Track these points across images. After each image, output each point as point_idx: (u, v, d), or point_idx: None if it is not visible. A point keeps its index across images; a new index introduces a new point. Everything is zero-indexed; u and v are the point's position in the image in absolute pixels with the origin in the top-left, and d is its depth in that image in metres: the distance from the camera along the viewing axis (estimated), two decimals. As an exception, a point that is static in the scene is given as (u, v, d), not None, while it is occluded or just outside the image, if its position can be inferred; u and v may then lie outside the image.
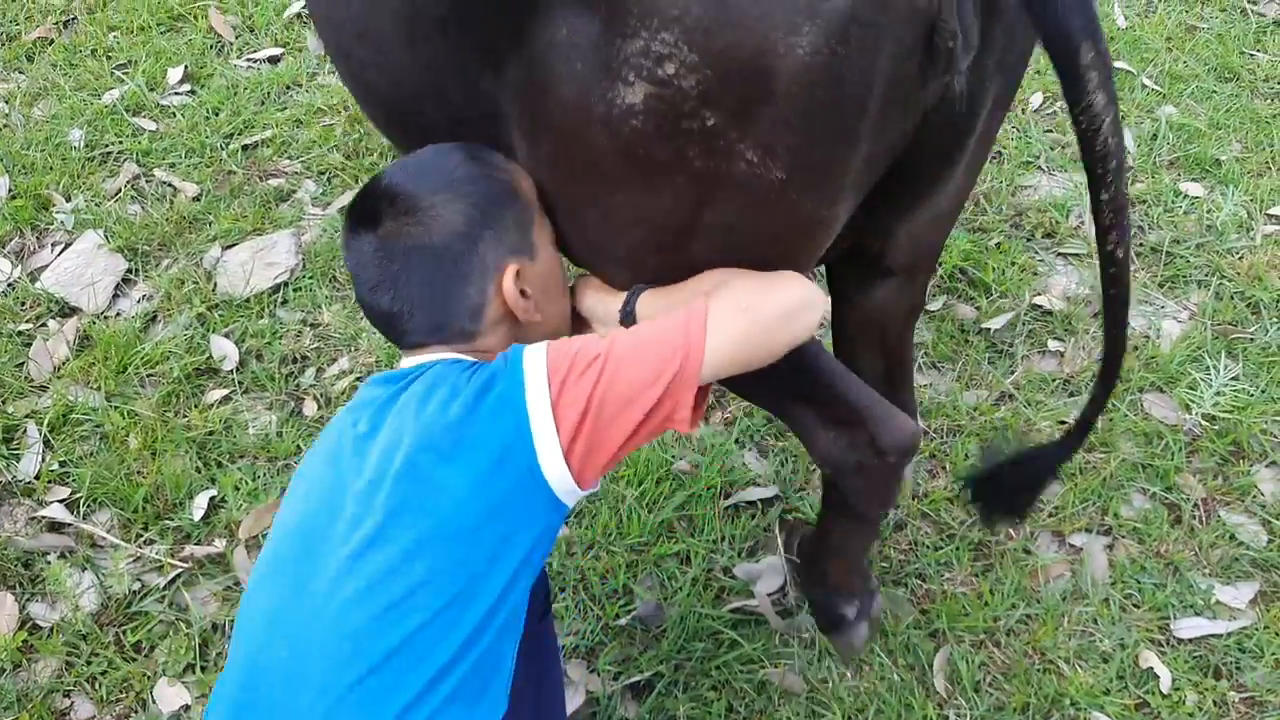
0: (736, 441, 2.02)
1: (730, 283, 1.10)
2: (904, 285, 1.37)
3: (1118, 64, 2.91)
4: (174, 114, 2.83)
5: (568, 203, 1.18)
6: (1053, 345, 2.20)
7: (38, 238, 2.48)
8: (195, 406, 2.10)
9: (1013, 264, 2.34)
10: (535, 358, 1.09)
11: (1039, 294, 2.29)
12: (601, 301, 1.25)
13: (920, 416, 2.06)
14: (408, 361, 1.18)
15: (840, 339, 1.48)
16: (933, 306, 2.28)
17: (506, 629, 1.09)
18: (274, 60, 3.03)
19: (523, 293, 1.17)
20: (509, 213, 1.17)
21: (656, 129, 0.99)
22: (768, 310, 1.08)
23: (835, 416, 1.30)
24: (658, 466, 1.97)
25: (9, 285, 2.34)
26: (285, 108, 2.85)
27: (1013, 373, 2.15)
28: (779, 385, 1.27)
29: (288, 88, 2.91)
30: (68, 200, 2.55)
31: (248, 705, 1.07)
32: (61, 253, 2.43)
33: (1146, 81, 2.84)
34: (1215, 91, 2.81)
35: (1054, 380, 2.13)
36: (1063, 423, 2.05)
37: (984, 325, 2.22)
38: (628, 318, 1.19)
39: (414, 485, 1.06)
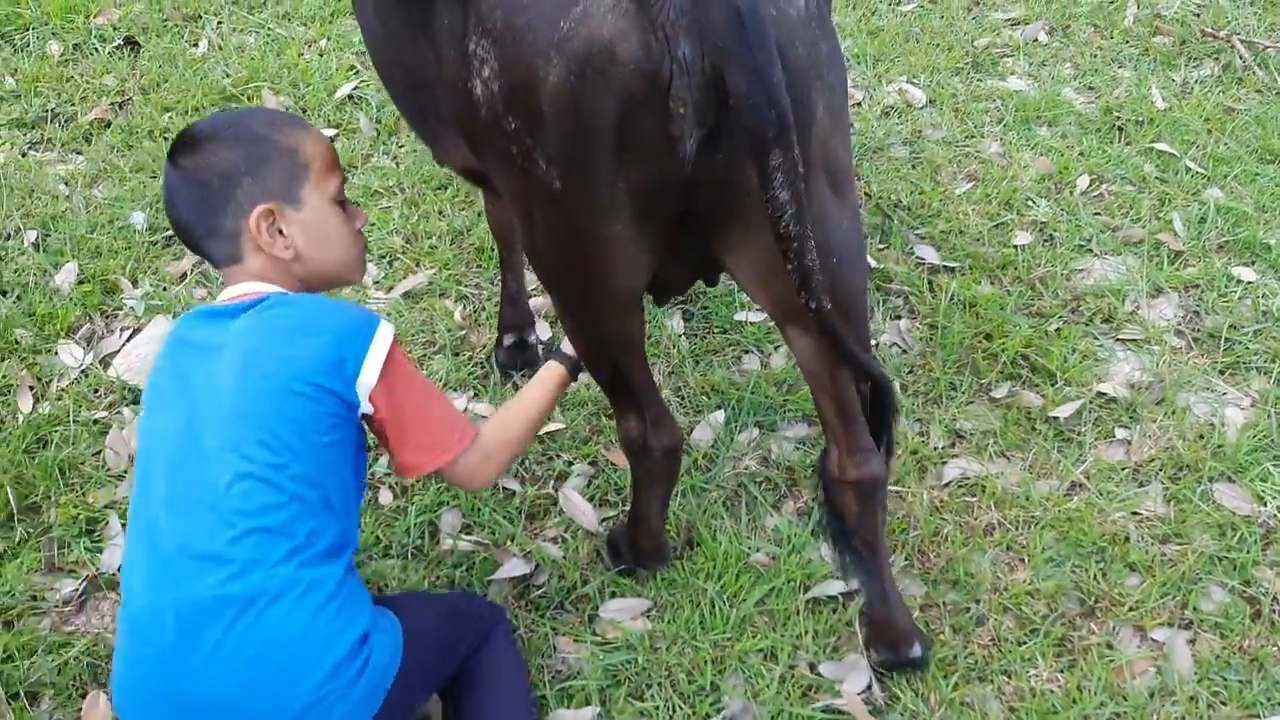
0: (812, 533, 2.03)
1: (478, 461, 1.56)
2: (806, 339, 1.49)
3: (1159, 145, 2.97)
4: (233, 196, 2.86)
5: (480, 162, 1.43)
6: (1120, 434, 2.22)
7: (106, 323, 2.50)
8: (272, 497, 2.11)
9: (1074, 350, 2.37)
10: (385, 337, 1.45)
11: (1102, 381, 2.32)
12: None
13: (994, 507, 2.08)
14: (222, 296, 1.52)
15: None
16: (998, 394, 2.30)
17: (348, 507, 1.48)
18: (329, 141, 3.07)
19: (280, 232, 1.48)
20: (275, 167, 1.48)
21: (493, 121, 1.21)
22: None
23: (632, 409, 1.66)
24: (735, 559, 1.98)
25: (82, 372, 2.36)
26: (343, 189, 2.88)
27: (1082, 462, 2.17)
28: (604, 375, 1.63)
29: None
30: (134, 285, 2.57)
31: (154, 581, 1.37)
32: (130, 338, 2.45)
33: (1190, 164, 2.89)
34: (1259, 174, 2.86)
35: (1123, 469, 2.15)
36: (1136, 513, 2.07)
37: (1051, 414, 2.24)
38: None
39: (268, 401, 1.38)
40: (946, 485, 2.13)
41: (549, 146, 1.20)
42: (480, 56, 1.19)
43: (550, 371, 1.72)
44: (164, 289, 2.57)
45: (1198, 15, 3.59)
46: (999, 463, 2.18)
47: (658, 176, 1.23)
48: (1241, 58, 3.32)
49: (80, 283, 2.56)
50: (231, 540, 1.34)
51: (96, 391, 2.32)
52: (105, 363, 2.39)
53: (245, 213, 1.47)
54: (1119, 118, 3.10)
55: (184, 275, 2.61)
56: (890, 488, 2.10)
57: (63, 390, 2.31)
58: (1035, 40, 3.50)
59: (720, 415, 2.27)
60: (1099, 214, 2.79)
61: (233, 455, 1.36)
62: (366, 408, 1.44)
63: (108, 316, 2.51)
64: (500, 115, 1.21)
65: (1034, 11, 3.63)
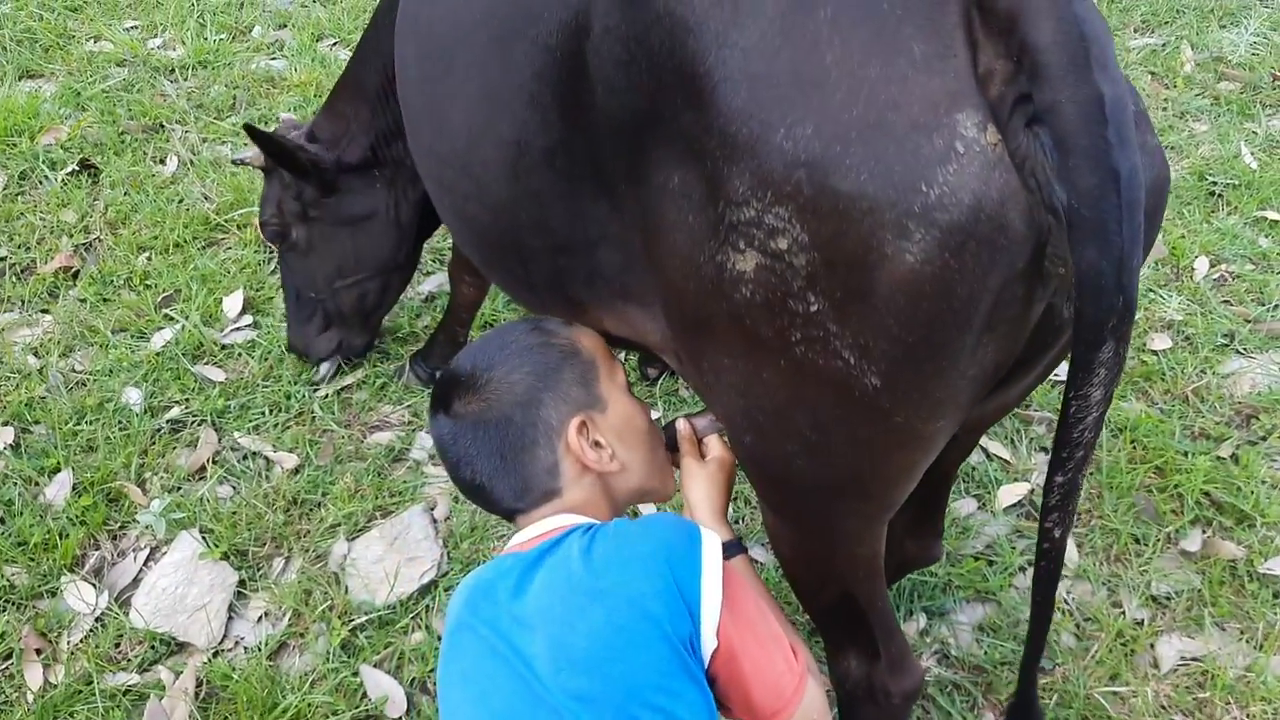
0: (1034, 760, 1.69)
1: (816, 690, 1.19)
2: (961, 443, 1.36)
3: (1269, 214, 2.71)
4: (240, 355, 2.44)
5: (683, 343, 1.15)
6: (1342, 587, 1.92)
7: (115, 544, 2.05)
8: (366, 774, 1.70)
9: (1262, 482, 2.07)
10: (714, 550, 1.16)
11: (1302, 519, 2.02)
12: (705, 518, 1.32)
13: (1233, 701, 1.76)
14: (518, 539, 1.24)
15: None
16: (1190, 546, 1.99)
17: None
18: (341, 274, 2.65)
19: (596, 443, 1.25)
20: (569, 372, 1.27)
21: (765, 302, 0.97)
22: None
23: (860, 646, 1.35)
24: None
25: (97, 620, 1.91)
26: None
27: (1308, 626, 1.86)
28: (827, 603, 1.33)
29: (366, 310, 2.53)
30: (143, 489, 2.13)
31: None
32: (147, 561, 2.02)
33: (1311, 236, 2.63)
34: (1387, 243, 2.61)
35: (1358, 632, 1.85)
36: (1394, 693, 1.76)
37: (1262, 570, 1.93)
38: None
39: (607, 656, 1.09)
40: (1168, 675, 1.81)
41: (873, 335, 0.94)
42: (769, 226, 0.93)
43: (744, 563, 1.35)
44: (178, 489, 2.13)
45: (1256, 54, 3.35)
46: (1212, 635, 1.86)
47: (1011, 351, 1.00)
48: (1321, 102, 3.08)
49: (77, 493, 2.11)
50: None
51: (119, 645, 1.88)
52: (123, 602, 1.95)
53: (558, 433, 1.24)
54: (1214, 182, 2.83)
55: (203, 468, 2.18)
56: (1108, 688, 1.78)
57: (77, 648, 1.86)
58: (1093, 94, 3.22)
59: (880, 603, 1.92)
60: (1228, 302, 2.50)
61: None
62: (711, 643, 1.13)
63: (116, 536, 2.07)
64: (791, 296, 0.95)
65: (1083, 61, 3.35)
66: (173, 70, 3.44)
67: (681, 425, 1.41)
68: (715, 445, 1.39)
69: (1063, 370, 2.14)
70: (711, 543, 1.17)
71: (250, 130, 1.94)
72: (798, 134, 0.89)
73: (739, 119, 0.92)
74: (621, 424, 1.30)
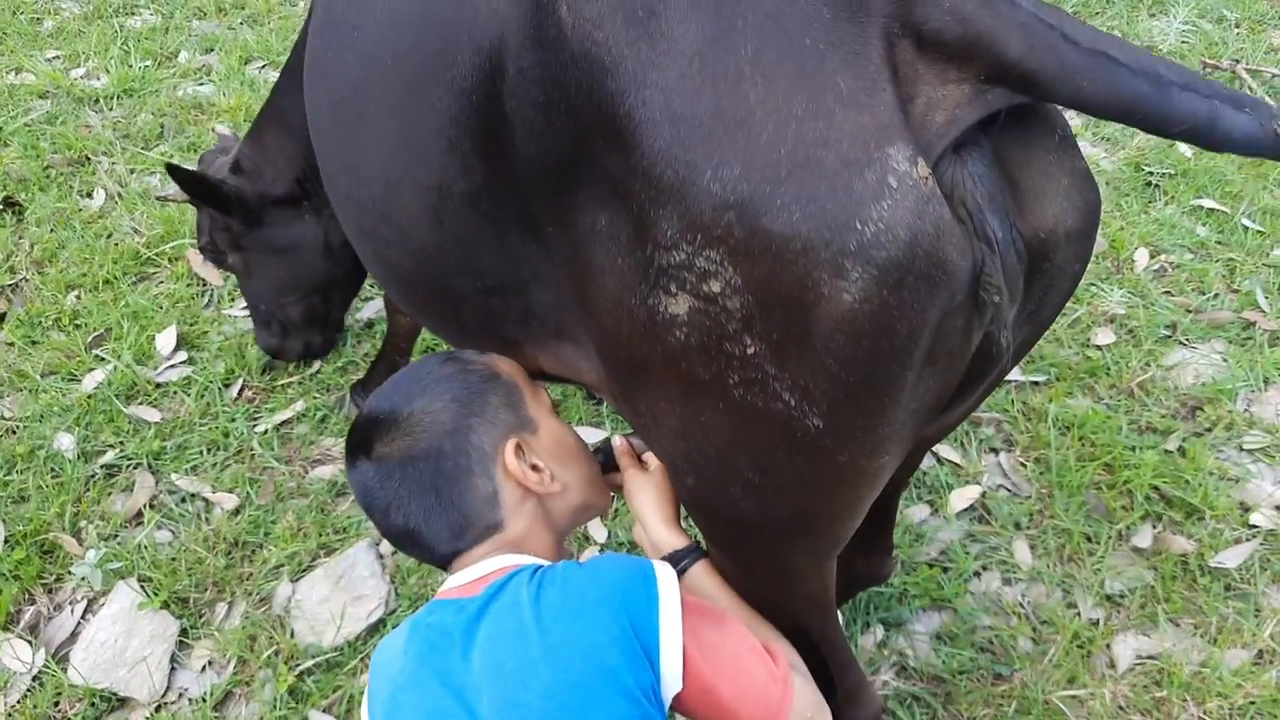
0: (996, 769, 1.68)
1: (805, 687, 1.16)
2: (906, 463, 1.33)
3: (1205, 203, 2.73)
4: (176, 393, 2.38)
5: (619, 385, 1.12)
6: (1291, 575, 1.93)
7: (50, 598, 1.99)
8: (319, 826, 1.66)
9: (1209, 474, 2.08)
10: (670, 586, 1.10)
11: (1249, 509, 2.03)
12: (657, 528, 1.29)
13: (1189, 699, 1.76)
14: (452, 583, 1.16)
15: None
16: (1142, 543, 1.99)
17: None
18: (278, 305, 2.60)
19: (534, 467, 1.21)
20: (493, 396, 1.23)
21: (700, 346, 0.94)
22: None
23: (820, 680, 1.29)
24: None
25: (35, 679, 1.85)
26: (306, 363, 2.43)
27: (1258, 616, 1.87)
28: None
29: (305, 340, 2.48)
30: (79, 539, 2.07)
31: None
32: (85, 614, 1.95)
33: (1247, 222, 2.65)
34: (1321, 227, 2.64)
35: (1308, 620, 1.86)
36: (1346, 681, 1.78)
37: (1212, 564, 1.94)
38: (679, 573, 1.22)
39: (562, 716, 1.03)
40: (1125, 676, 1.80)
41: (813, 376, 0.91)
42: (701, 269, 0.90)
43: (705, 569, 1.30)
44: (115, 537, 2.07)
45: (1186, 42, 3.38)
46: (1166, 632, 1.87)
47: (952, 382, 0.98)
48: (1250, 88, 3.11)
49: (9, 546, 2.04)
50: None
51: (58, 704, 1.82)
52: (61, 658, 1.88)
53: (493, 459, 1.20)
54: (1150, 173, 2.85)
55: (140, 513, 2.12)
56: (1065, 692, 1.78)
57: (14, 709, 1.80)
58: (1029, 88, 3.23)
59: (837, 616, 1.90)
60: (1169, 293, 2.52)
61: None
62: (675, 686, 1.08)
63: (51, 590, 2.00)
64: (726, 339, 0.92)
65: (1017, 55, 3.36)
66: (97, 100, 3.36)
67: (618, 442, 1.38)
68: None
69: (1013, 374, 2.13)
70: (667, 578, 1.12)
71: (172, 170, 1.90)
72: (725, 175, 0.86)
73: (663, 161, 0.89)
74: (554, 444, 1.27)
